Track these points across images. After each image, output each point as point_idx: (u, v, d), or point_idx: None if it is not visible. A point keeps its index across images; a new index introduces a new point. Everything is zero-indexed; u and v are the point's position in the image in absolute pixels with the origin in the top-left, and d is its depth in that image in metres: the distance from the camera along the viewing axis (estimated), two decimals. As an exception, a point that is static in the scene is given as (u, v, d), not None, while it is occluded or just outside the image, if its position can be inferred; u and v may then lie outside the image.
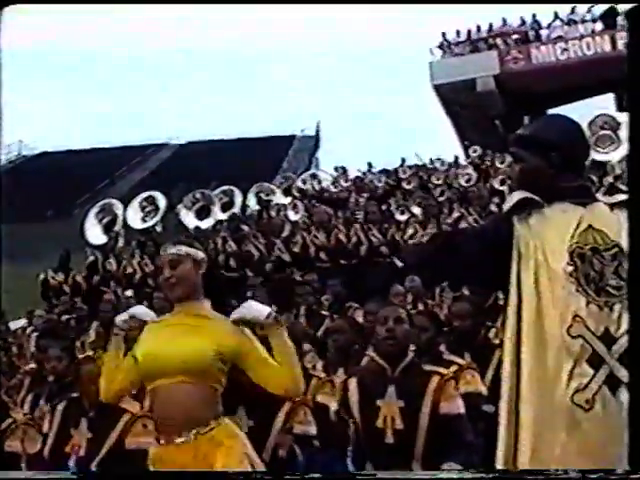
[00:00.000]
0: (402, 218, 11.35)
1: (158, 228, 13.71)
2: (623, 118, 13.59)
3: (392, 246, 10.02)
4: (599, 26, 23.52)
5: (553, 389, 2.24)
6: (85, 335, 8.06)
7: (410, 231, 10.35)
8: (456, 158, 18.79)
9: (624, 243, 2.36)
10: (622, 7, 20.54)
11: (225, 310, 3.04)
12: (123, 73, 79.56)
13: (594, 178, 10.85)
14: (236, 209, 14.72)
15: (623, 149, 12.98)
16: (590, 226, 2.38)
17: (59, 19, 55.78)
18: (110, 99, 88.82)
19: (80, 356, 4.75)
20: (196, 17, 63.19)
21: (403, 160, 18.88)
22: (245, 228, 12.56)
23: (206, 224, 13.50)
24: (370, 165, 19.38)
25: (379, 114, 75.94)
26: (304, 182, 17.16)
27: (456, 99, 24.69)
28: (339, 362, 4.97)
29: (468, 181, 14.21)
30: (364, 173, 18.57)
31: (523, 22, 24.90)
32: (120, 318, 3.12)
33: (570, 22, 24.05)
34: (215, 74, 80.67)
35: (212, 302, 3.05)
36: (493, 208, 10.60)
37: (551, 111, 23.16)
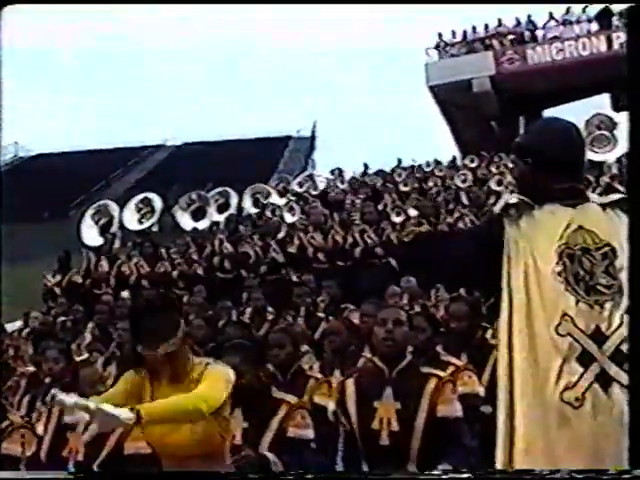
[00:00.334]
0: (398, 220, 11.35)
1: (155, 229, 13.72)
2: (619, 118, 13.64)
3: (388, 247, 10.02)
4: (594, 26, 23.54)
5: (543, 388, 2.26)
6: (81, 337, 8.06)
7: (406, 232, 10.34)
8: (453, 159, 18.81)
9: (616, 242, 2.38)
10: (617, 7, 20.61)
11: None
12: (123, 73, 79.36)
13: (590, 178, 10.85)
14: (232, 210, 14.73)
15: (619, 149, 13.01)
16: (580, 227, 2.40)
17: (59, 19, 55.76)
18: (110, 99, 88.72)
19: (77, 359, 4.74)
20: (195, 17, 62.99)
21: (399, 161, 18.89)
22: (242, 229, 12.56)
23: (202, 225, 13.49)
24: (366, 166, 19.35)
25: (375, 115, 75.90)
26: (300, 184, 17.17)
27: (452, 100, 24.68)
28: (336, 363, 4.98)
29: (464, 182, 14.23)
30: (360, 174, 18.54)
31: (519, 23, 24.90)
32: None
33: (565, 22, 24.07)
34: (211, 75, 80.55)
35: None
36: (489, 209, 10.61)
37: (547, 112, 23.25)
